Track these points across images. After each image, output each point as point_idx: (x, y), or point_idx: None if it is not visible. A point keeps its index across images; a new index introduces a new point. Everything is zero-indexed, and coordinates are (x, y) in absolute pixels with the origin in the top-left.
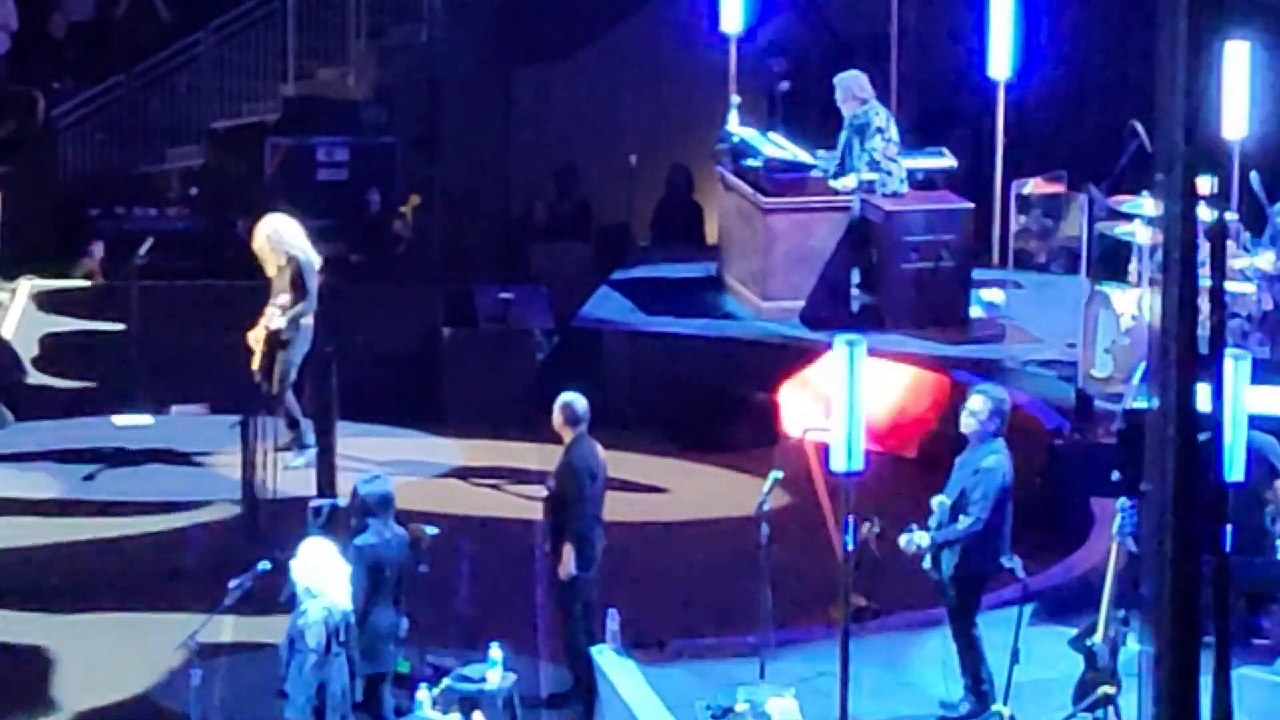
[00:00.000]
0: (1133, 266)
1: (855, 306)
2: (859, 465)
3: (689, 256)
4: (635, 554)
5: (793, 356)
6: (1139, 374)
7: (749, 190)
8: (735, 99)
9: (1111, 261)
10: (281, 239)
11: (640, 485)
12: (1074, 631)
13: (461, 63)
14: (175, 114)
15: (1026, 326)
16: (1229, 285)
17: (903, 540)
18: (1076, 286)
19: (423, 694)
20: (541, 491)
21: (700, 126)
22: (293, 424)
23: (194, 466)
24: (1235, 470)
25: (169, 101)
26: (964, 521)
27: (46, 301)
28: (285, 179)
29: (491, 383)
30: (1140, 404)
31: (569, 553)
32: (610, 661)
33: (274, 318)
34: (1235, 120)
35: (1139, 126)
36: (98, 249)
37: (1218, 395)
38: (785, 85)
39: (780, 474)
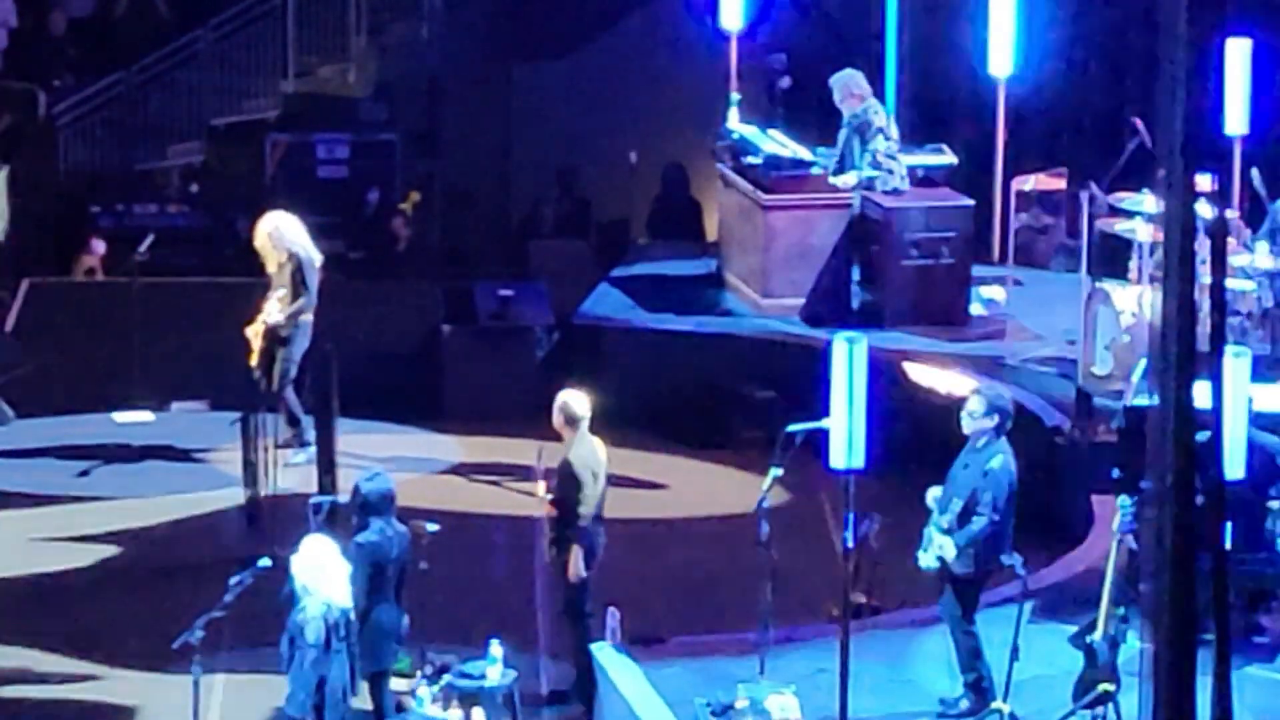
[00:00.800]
0: (1133, 264)
1: (855, 304)
2: (859, 463)
3: (689, 253)
4: (635, 552)
5: (793, 354)
6: (1139, 371)
7: (749, 187)
8: (735, 96)
9: (1112, 259)
10: (283, 236)
11: (640, 483)
12: (1074, 629)
13: (462, 60)
14: (176, 111)
15: (1027, 324)
16: (1229, 283)
17: (924, 559)
18: (1077, 284)
19: (423, 690)
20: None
21: (700, 124)
22: (293, 421)
23: (194, 463)
24: (1235, 468)
25: (169, 98)
26: (978, 522)
27: (47, 298)
28: (285, 176)
29: (491, 380)
30: (1141, 401)
31: (577, 555)
32: (610, 659)
33: (273, 312)
34: (1236, 118)
35: (1139, 124)
36: (98, 245)
37: (1218, 393)
38: (785, 82)
39: (780, 471)
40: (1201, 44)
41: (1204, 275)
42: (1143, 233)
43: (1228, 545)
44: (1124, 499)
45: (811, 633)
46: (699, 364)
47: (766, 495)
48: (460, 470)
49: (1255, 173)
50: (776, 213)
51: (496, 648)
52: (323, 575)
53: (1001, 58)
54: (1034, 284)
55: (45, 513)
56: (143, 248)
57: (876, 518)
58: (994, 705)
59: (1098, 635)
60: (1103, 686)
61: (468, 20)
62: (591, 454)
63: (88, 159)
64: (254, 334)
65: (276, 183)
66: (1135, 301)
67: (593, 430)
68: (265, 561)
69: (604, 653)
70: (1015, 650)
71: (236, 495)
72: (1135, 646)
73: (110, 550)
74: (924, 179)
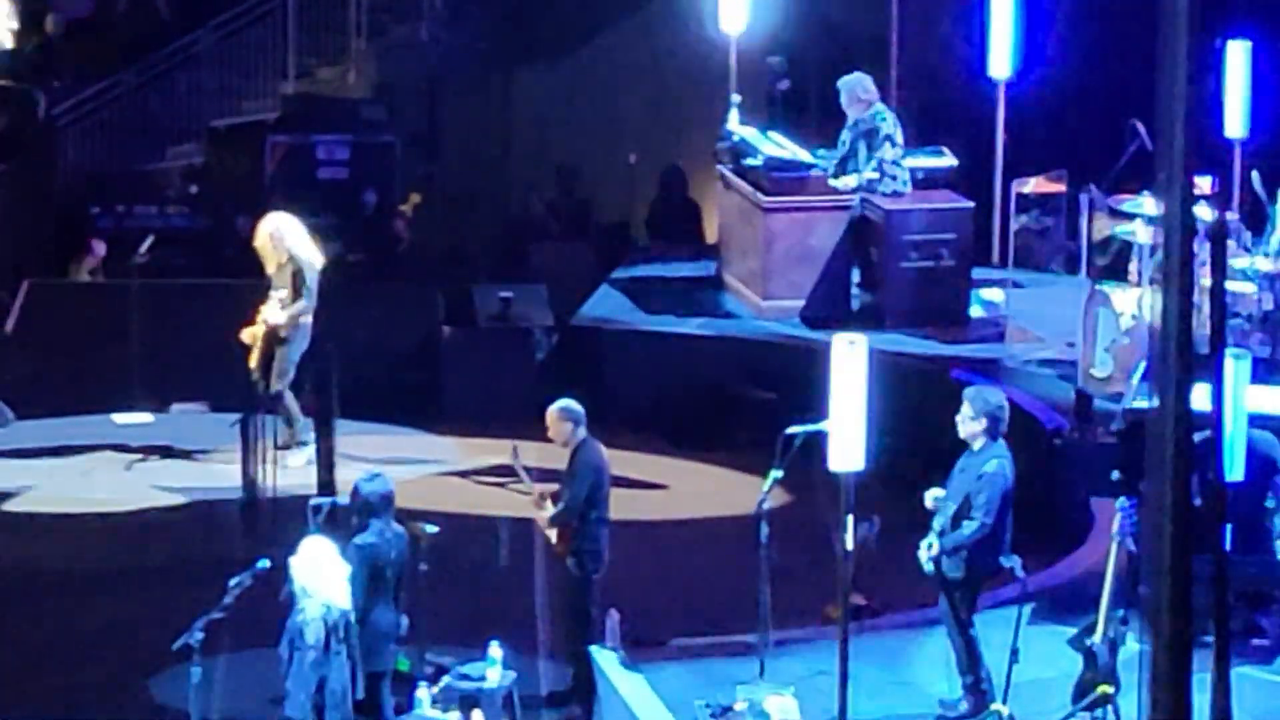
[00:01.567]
0: (1133, 266)
1: (855, 305)
2: (859, 465)
3: (689, 256)
4: (635, 554)
5: (792, 355)
6: (1139, 373)
7: (749, 189)
8: (735, 98)
9: (1112, 261)
10: (283, 238)
11: (640, 484)
12: (1073, 631)
13: (462, 62)
14: (175, 112)
15: (1026, 326)
16: (1229, 285)
17: (924, 561)
18: (1076, 286)
19: (422, 692)
20: (541, 489)
21: (700, 126)
22: (292, 422)
23: (194, 464)
24: (1235, 470)
25: (169, 99)
26: (968, 527)
27: (47, 299)
28: (285, 177)
29: (491, 381)
30: (1140, 403)
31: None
32: (609, 660)
33: (273, 312)
34: (1235, 120)
35: (1139, 126)
36: (98, 247)
37: (1218, 395)
38: (785, 84)
39: (780, 473)
40: (1201, 46)
41: (1204, 277)
42: (1143, 235)
43: (1227, 547)
44: (1123, 501)
45: (811, 635)
46: (699, 366)
47: (766, 497)
48: (459, 472)
49: (1256, 175)
50: (776, 215)
51: (496, 649)
52: (322, 577)
53: (1001, 60)
54: (1034, 286)
55: (45, 513)
56: (142, 249)
57: (876, 520)
58: (993, 707)
59: (1097, 637)
60: (1102, 689)
61: (468, 22)
62: (598, 455)
63: (88, 160)
64: (251, 335)
65: (276, 184)
66: (1135, 304)
67: (592, 432)
68: (264, 563)
69: (603, 654)
70: (1014, 652)
71: (236, 497)
72: (1134, 649)
73: (110, 551)
74: (924, 181)
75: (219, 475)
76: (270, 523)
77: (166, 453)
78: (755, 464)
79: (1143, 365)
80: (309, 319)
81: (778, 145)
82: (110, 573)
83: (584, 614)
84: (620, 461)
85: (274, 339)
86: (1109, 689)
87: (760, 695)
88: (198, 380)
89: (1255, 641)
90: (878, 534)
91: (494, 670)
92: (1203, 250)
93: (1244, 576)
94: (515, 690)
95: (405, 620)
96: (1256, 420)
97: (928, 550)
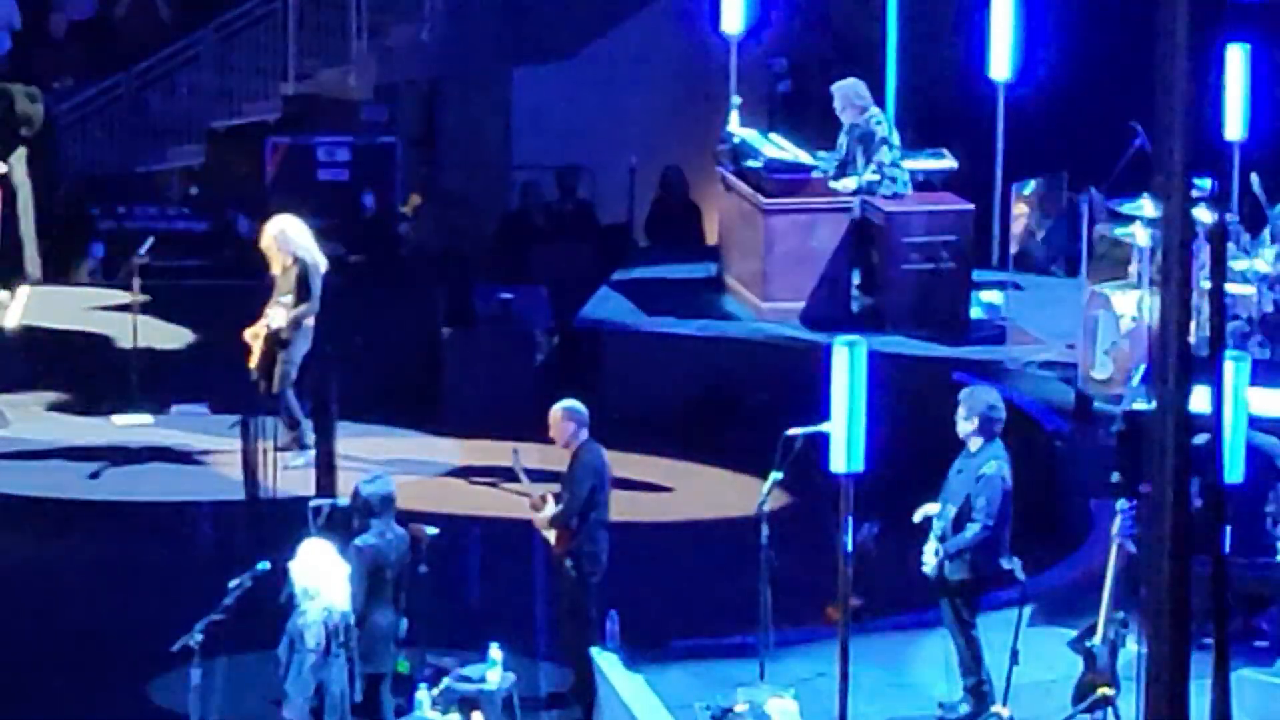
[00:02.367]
0: (1132, 268)
1: (855, 308)
2: (859, 466)
3: (689, 257)
4: (635, 554)
5: (793, 357)
6: (1139, 376)
7: (749, 191)
8: (736, 100)
9: (1111, 263)
10: (288, 240)
11: (641, 485)
12: (1073, 633)
13: (462, 63)
14: (176, 113)
15: (1026, 328)
16: (1229, 287)
17: (928, 566)
18: (1076, 288)
19: (422, 694)
20: (541, 490)
21: (701, 127)
22: (293, 424)
23: (194, 466)
24: (1234, 472)
25: (170, 101)
26: (971, 530)
27: (47, 301)
28: (286, 179)
29: (491, 383)
30: (1140, 406)
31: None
32: (609, 662)
33: (276, 317)
34: (1234, 123)
35: (1139, 127)
36: (98, 248)
37: (1217, 397)
38: (786, 86)
39: (780, 475)
40: (1200, 49)
41: (1203, 280)
42: (1142, 237)
43: (1226, 550)
44: (1123, 503)
45: (811, 636)
46: (699, 367)
47: (766, 499)
48: (460, 473)
49: (1255, 178)
50: (777, 216)
51: (496, 651)
52: (322, 579)
53: (1001, 62)
54: (1033, 288)
55: (45, 514)
56: (143, 250)
57: (877, 522)
58: (993, 709)
59: (1097, 639)
60: (1102, 691)
61: (468, 23)
62: (599, 458)
63: (88, 161)
64: (253, 337)
65: (276, 185)
66: (1135, 306)
67: (592, 433)
68: (265, 565)
69: (603, 656)
70: (1015, 654)
71: (236, 498)
72: (1134, 651)
73: (110, 553)
74: (924, 183)
75: (219, 477)
76: (270, 525)
77: (166, 454)
78: (755, 465)
79: (1142, 367)
80: (311, 321)
81: (778, 147)
82: (110, 574)
83: (584, 616)
84: (620, 463)
85: (276, 342)
86: (1109, 691)
87: (761, 697)
88: (198, 382)
89: (1255, 644)
90: (877, 536)
91: (494, 672)
92: (1202, 252)
93: (1243, 578)
94: (515, 692)
95: (405, 622)
96: (1256, 423)
97: (933, 556)
